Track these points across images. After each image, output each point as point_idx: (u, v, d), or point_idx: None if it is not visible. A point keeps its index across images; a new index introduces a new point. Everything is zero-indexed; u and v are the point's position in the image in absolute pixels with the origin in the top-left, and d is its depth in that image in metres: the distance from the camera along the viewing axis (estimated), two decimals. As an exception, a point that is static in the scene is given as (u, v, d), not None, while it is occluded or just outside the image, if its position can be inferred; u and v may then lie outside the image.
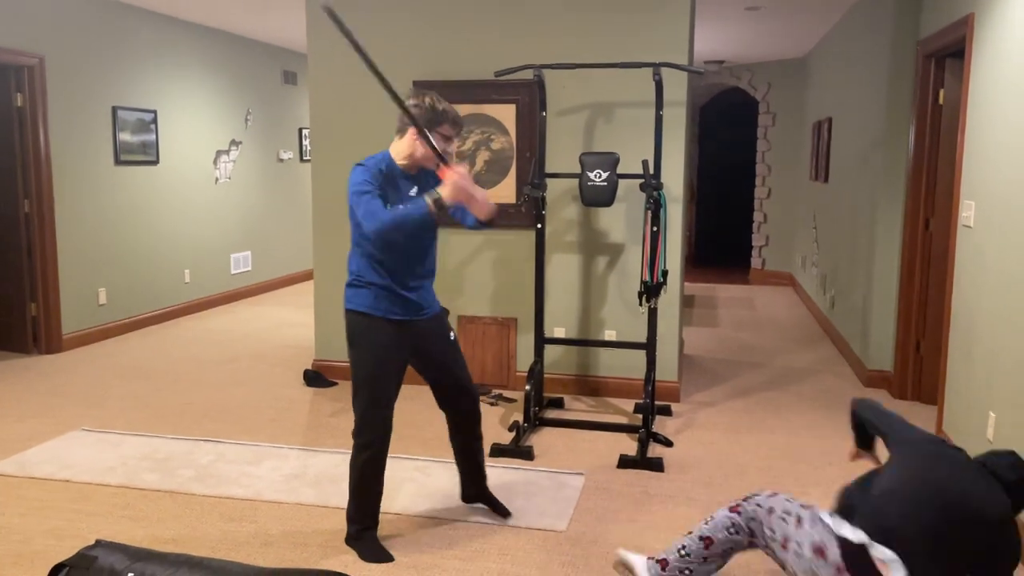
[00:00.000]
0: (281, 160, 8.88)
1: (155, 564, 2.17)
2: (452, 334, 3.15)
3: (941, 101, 4.61)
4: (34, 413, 4.57)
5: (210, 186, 7.66)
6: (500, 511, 3.30)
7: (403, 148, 2.96)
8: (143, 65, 6.68)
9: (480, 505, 3.36)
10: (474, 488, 3.35)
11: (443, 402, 3.19)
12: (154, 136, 6.83)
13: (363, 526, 3.02)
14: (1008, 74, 3.30)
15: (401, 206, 2.78)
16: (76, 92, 6.02)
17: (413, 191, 2.95)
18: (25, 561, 2.92)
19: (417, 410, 4.49)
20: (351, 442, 2.99)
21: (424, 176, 2.99)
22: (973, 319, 3.62)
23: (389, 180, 2.90)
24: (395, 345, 2.95)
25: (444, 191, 2.74)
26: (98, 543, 2.31)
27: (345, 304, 3.01)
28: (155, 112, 6.82)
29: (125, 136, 6.49)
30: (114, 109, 6.36)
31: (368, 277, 2.94)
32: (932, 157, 4.69)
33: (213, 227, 7.73)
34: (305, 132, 9.23)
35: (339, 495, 3.47)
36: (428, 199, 2.73)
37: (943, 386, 3.99)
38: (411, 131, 2.90)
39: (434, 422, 4.30)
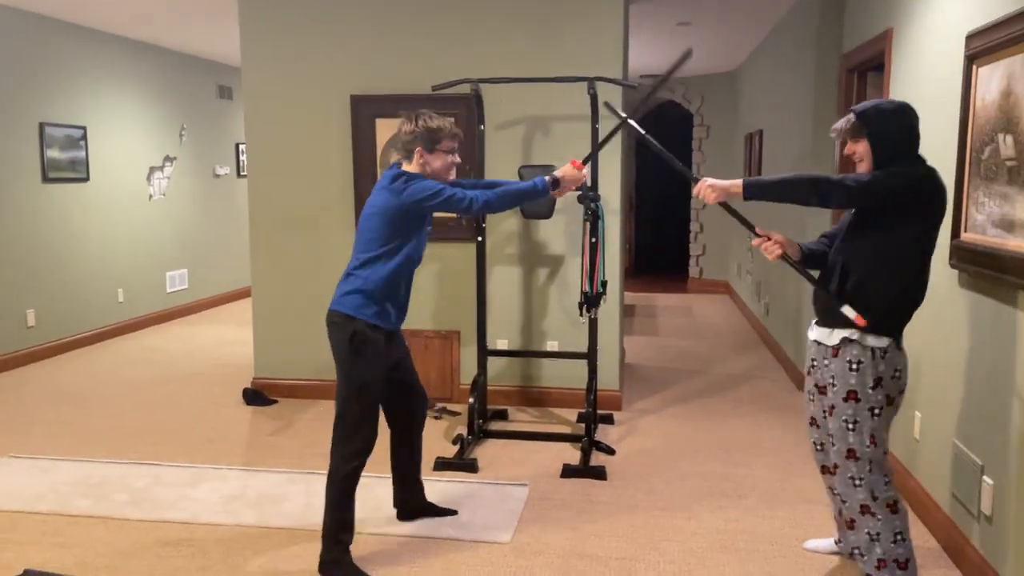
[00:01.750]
0: (217, 175, 8.73)
1: (87, 592, 2.11)
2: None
3: (864, 113, 4.77)
4: (-42, 441, 4.39)
5: (143, 203, 7.49)
6: (445, 512, 3.39)
7: (414, 170, 2.99)
8: (72, 80, 6.51)
9: (418, 520, 3.36)
10: (415, 500, 3.37)
11: (398, 406, 3.21)
12: (84, 153, 6.65)
13: (343, 542, 2.92)
14: (924, 86, 3.45)
15: (514, 184, 3.11)
16: (1, 108, 5.83)
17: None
18: (-51, 595, 2.80)
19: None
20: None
21: None
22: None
23: None
24: (388, 355, 3.03)
25: (561, 174, 3.08)
26: (27, 573, 2.23)
27: (348, 310, 2.91)
28: (85, 128, 6.65)
29: (53, 153, 6.31)
30: (41, 125, 6.18)
31: (384, 288, 2.94)
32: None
33: (147, 245, 7.56)
34: (242, 147, 9.09)
35: (280, 516, 3.42)
36: (548, 177, 3.05)
37: (873, 388, 4.12)
38: (417, 151, 2.96)
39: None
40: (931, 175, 2.52)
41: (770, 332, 6.66)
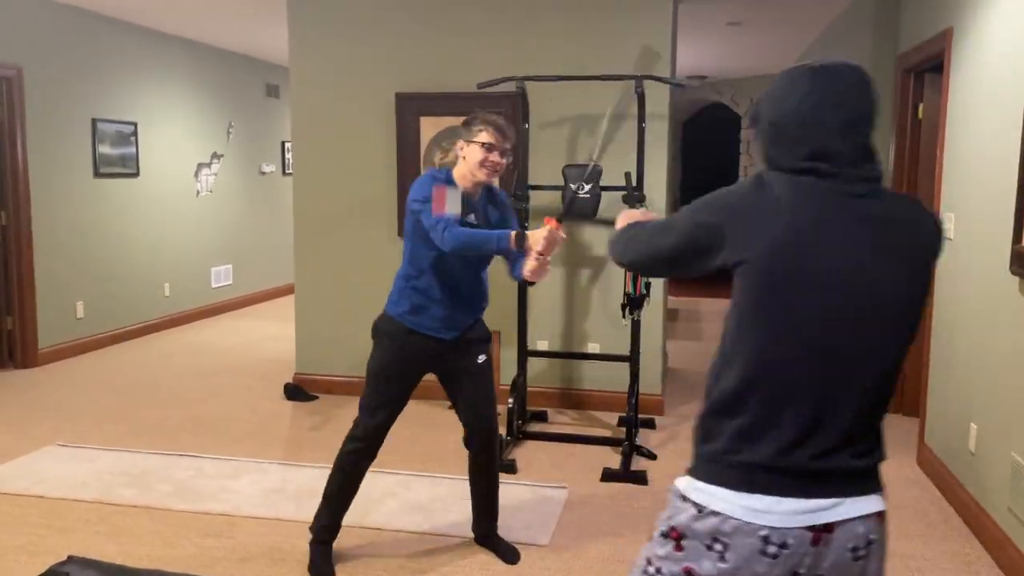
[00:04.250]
0: (263, 173, 8.83)
1: (128, 580, 2.13)
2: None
3: (920, 115, 4.64)
4: (8, 428, 4.49)
5: (191, 199, 7.61)
6: (506, 554, 3.08)
7: (459, 168, 2.81)
8: (124, 77, 6.64)
9: (468, 524, 3.31)
10: (481, 530, 3.15)
11: (464, 423, 3.06)
12: (134, 148, 6.77)
13: (315, 533, 2.96)
14: (986, 87, 3.33)
15: (482, 231, 2.70)
16: (55, 103, 5.96)
17: (470, 217, 2.80)
18: (-5, 579, 2.85)
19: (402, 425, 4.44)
20: (331, 456, 2.97)
21: (481, 202, 2.87)
22: (953, 331, 3.63)
23: None
24: (419, 355, 2.88)
25: (533, 234, 2.62)
26: (70, 559, 2.26)
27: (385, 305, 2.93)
28: (135, 124, 6.77)
29: (105, 148, 6.43)
30: (94, 121, 6.31)
31: (407, 286, 2.85)
32: (912, 170, 4.72)
33: (194, 240, 7.67)
34: (288, 145, 9.19)
35: (319, 510, 3.42)
36: (513, 234, 2.63)
37: (924, 398, 4.00)
38: (457, 144, 2.80)
39: (420, 438, 4.26)
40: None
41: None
